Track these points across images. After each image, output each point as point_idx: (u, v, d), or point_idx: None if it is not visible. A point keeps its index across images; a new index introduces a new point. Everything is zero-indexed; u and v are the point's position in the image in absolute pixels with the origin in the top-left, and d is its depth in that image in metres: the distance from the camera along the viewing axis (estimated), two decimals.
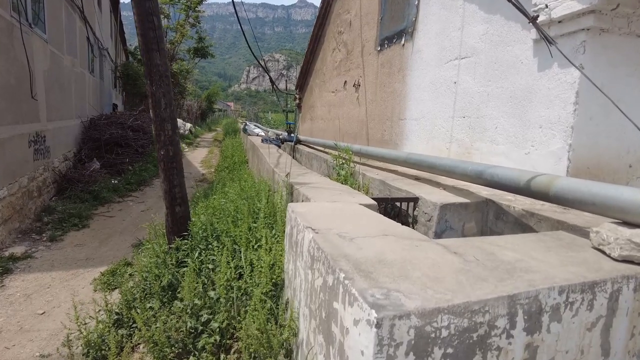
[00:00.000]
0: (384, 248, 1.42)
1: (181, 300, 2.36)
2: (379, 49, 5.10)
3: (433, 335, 1.00)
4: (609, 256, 1.44)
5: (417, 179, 3.23)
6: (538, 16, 2.13)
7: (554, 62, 2.43)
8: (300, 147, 7.19)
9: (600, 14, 2.22)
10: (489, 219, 2.41)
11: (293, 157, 7.60)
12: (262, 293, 1.95)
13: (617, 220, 1.54)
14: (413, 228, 2.64)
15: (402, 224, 2.72)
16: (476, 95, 3.10)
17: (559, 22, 2.40)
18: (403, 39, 4.44)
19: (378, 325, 0.95)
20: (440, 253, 1.39)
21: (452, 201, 2.42)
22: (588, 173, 2.33)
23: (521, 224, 2.23)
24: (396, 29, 4.62)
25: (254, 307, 1.81)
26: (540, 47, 2.51)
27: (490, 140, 2.91)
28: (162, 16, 19.40)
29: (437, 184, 2.96)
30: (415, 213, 2.62)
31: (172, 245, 2.93)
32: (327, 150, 5.28)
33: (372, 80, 5.28)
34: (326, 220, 1.78)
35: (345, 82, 6.42)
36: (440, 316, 1.01)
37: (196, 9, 19.63)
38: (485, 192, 2.59)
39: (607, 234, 1.46)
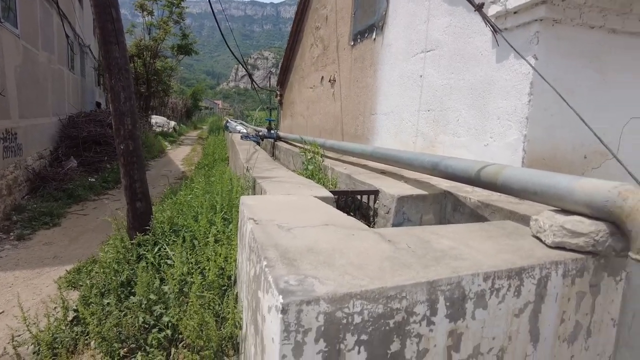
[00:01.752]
0: (319, 237, 1.40)
1: (135, 295, 2.32)
2: (352, 43, 5.09)
3: (345, 321, 0.99)
4: (544, 243, 1.44)
5: (383, 172, 3.22)
6: (483, 4, 2.12)
7: (511, 53, 2.43)
8: (280, 143, 7.15)
9: (552, 5, 2.22)
10: (447, 211, 2.41)
11: (272, 154, 7.57)
12: (210, 287, 1.92)
13: (556, 208, 1.54)
14: (373, 221, 2.63)
15: (363, 217, 2.72)
16: (440, 88, 3.10)
17: (515, 12, 2.40)
18: (374, 33, 4.43)
19: (284, 311, 0.93)
20: (374, 241, 1.37)
21: (410, 193, 2.41)
22: (544, 164, 2.34)
23: (477, 215, 2.23)
24: (368, 23, 4.60)
25: (192, 302, 1.78)
26: (498, 38, 2.51)
27: (453, 133, 2.91)
28: (145, 12, 19.09)
29: (401, 177, 2.95)
30: (376, 206, 2.61)
31: (134, 241, 2.89)
32: (304, 146, 5.27)
33: (347, 75, 5.26)
34: (272, 212, 1.76)
35: (322, 77, 6.41)
36: (352, 302, 0.99)
37: (180, 4, 19.41)
38: (445, 184, 2.59)
39: (544, 222, 1.46)
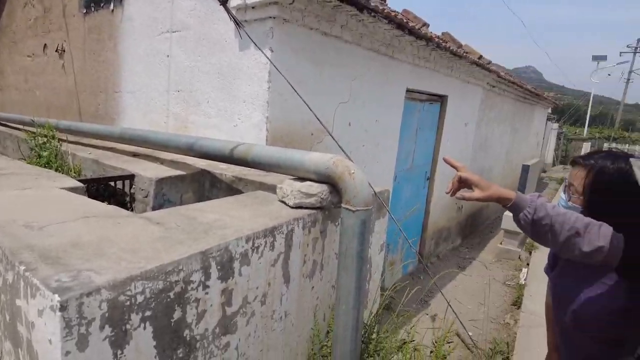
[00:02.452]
0: (81, 231, 1.33)
1: None
2: (84, 11, 4.49)
3: (128, 303, 1.04)
4: (288, 205, 1.80)
5: (135, 155, 3.10)
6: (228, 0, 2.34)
7: (252, 44, 2.74)
8: None
9: (281, 6, 2.62)
10: (206, 188, 2.59)
11: None
12: None
13: (294, 177, 1.93)
14: (131, 207, 2.55)
15: (120, 204, 2.59)
16: (188, 70, 3.19)
17: (253, 7, 2.71)
18: (112, 4, 4.05)
19: (63, 308, 0.91)
20: (143, 226, 1.41)
21: (168, 175, 2.46)
22: (282, 141, 2.80)
23: (232, 189, 2.49)
24: None
25: None
26: (240, 30, 2.77)
27: (204, 114, 3.08)
28: None
29: (156, 159, 2.93)
30: (132, 191, 2.53)
31: None
32: (26, 127, 4.37)
33: (80, 46, 4.63)
34: (11, 212, 1.51)
35: (46, 45, 5.39)
36: (133, 284, 1.04)
37: None
38: (202, 163, 2.74)
39: (286, 188, 1.81)
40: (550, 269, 1.70)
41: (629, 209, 1.29)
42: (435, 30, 5.19)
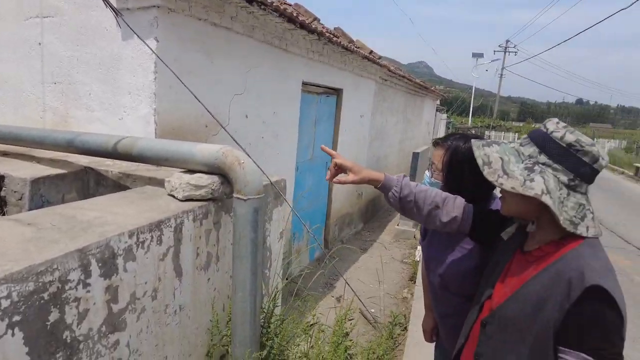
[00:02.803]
0: None
1: None
2: None
3: None
4: (177, 198, 1.78)
5: (5, 154, 2.78)
6: None
7: (135, 33, 2.61)
8: None
9: None
10: (90, 186, 2.43)
11: None
12: None
13: (184, 170, 1.91)
14: (2, 211, 2.30)
15: None
16: (65, 60, 2.92)
17: None
18: None
19: None
20: (11, 228, 1.31)
21: (45, 174, 2.26)
22: (174, 134, 2.73)
23: (120, 186, 2.37)
24: None
25: None
26: (119, 20, 2.62)
27: (86, 108, 2.86)
28: None
29: (32, 158, 2.66)
30: (3, 194, 2.28)
31: None
32: None
33: None
34: None
35: None
36: None
37: None
38: (85, 160, 2.56)
39: (175, 182, 1.79)
40: (422, 240, 1.94)
41: (477, 183, 1.53)
42: (331, 25, 5.41)
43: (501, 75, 41.01)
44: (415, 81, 9.53)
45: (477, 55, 34.32)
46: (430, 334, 2.06)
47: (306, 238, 5.46)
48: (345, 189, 6.53)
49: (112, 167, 2.43)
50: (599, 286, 1.01)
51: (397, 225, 7.56)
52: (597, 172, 1.13)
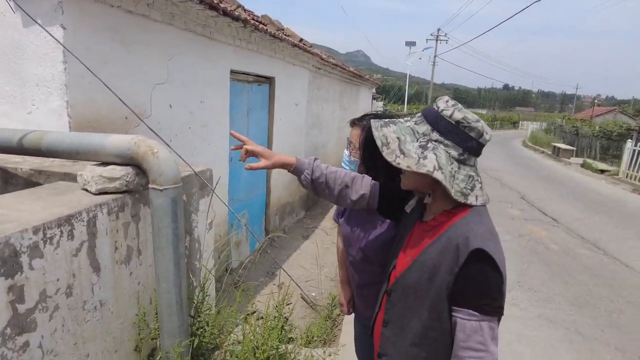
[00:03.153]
0: None
1: None
2: None
3: None
4: (90, 192, 1.72)
5: None
6: None
7: (38, 19, 2.43)
8: None
9: None
10: None
11: None
12: None
13: (97, 162, 1.84)
14: None
15: None
16: None
17: None
18: None
19: None
20: None
21: None
22: (90, 127, 2.60)
23: (33, 183, 2.23)
24: None
25: None
26: (21, 2, 2.43)
27: None
28: None
29: None
30: None
31: None
32: None
33: None
34: None
35: None
36: None
37: None
38: None
39: (87, 175, 1.72)
40: (338, 216, 2.03)
41: (384, 161, 1.62)
42: (270, 14, 5.35)
43: (434, 63, 42.73)
44: (349, 69, 9.70)
45: (410, 44, 35.47)
46: (347, 306, 2.17)
47: (246, 230, 5.43)
48: (285, 179, 6.56)
49: (21, 164, 2.27)
50: (481, 249, 1.13)
51: None
52: (482, 145, 1.25)
